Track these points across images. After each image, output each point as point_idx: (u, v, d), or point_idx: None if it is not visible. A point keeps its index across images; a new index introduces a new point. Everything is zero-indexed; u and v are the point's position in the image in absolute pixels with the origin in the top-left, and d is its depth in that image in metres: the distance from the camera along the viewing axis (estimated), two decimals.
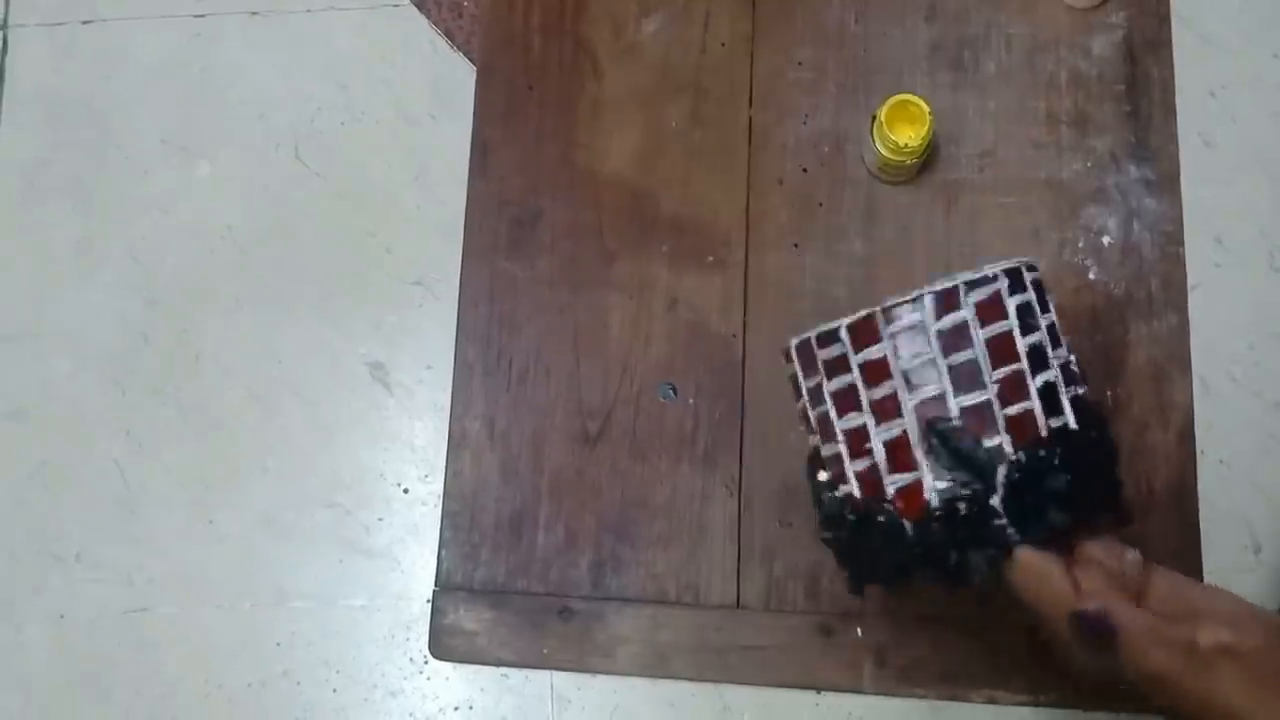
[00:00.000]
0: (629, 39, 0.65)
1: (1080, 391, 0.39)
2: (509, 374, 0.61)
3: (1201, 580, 0.55)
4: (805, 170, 0.63)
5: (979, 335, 0.38)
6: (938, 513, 0.37)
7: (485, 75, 0.66)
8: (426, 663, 0.59)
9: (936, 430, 0.37)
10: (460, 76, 0.67)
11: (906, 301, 0.38)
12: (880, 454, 0.39)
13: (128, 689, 0.60)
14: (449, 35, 0.68)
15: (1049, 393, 0.38)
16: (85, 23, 0.70)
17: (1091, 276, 0.60)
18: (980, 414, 0.37)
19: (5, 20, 0.70)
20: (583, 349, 0.61)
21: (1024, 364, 0.38)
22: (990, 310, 0.38)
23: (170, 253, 0.66)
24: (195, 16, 0.69)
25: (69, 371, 0.65)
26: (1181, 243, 0.60)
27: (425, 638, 0.59)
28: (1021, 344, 0.38)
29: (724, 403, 0.60)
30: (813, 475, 0.42)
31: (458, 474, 0.60)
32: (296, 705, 0.59)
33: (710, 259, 0.62)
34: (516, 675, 0.59)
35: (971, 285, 0.38)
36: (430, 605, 0.59)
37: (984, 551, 0.37)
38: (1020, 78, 0.63)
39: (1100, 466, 0.39)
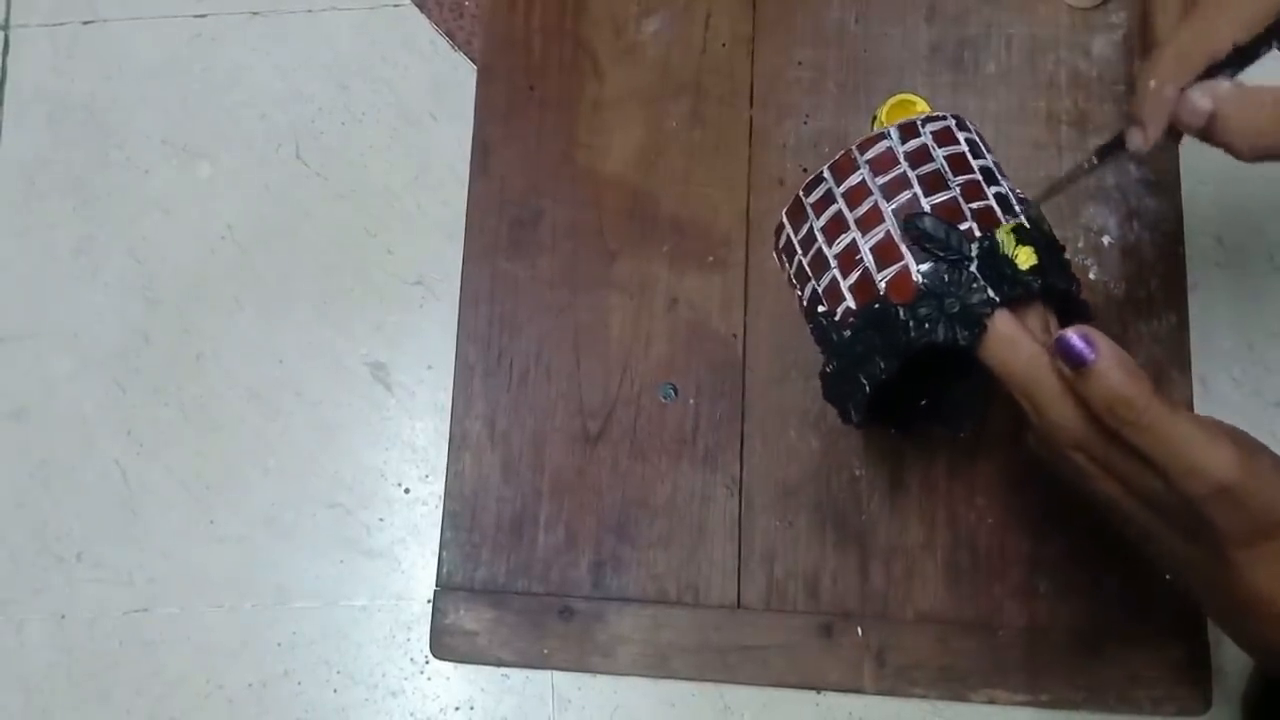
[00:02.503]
0: (629, 39, 0.65)
1: (1029, 209, 0.45)
2: (509, 374, 0.61)
3: None
4: (805, 170, 0.63)
5: (939, 153, 0.44)
6: (924, 288, 0.42)
7: (486, 75, 0.66)
8: (427, 663, 0.59)
9: (914, 221, 0.43)
10: (460, 76, 0.67)
11: (874, 136, 0.45)
12: (869, 258, 0.44)
13: (128, 689, 0.60)
14: (449, 35, 0.68)
15: (1002, 199, 0.44)
16: (86, 23, 0.70)
17: (1091, 276, 0.60)
18: (949, 207, 0.43)
19: (6, 21, 0.70)
20: (583, 349, 0.61)
21: (978, 176, 0.44)
22: (944, 137, 0.45)
23: (171, 253, 0.66)
24: (195, 17, 0.69)
25: (69, 371, 0.65)
26: (1181, 243, 0.60)
27: (426, 638, 0.59)
28: (974, 163, 0.45)
29: (724, 403, 0.60)
30: (812, 317, 0.47)
31: (458, 474, 0.61)
32: (297, 705, 0.59)
33: (711, 259, 0.62)
34: (517, 675, 0.59)
35: (927, 120, 0.45)
36: (431, 605, 0.59)
37: (969, 320, 0.41)
38: (1020, 78, 0.63)
39: (1055, 254, 0.44)
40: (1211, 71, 0.40)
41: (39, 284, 0.66)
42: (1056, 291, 0.43)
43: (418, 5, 0.68)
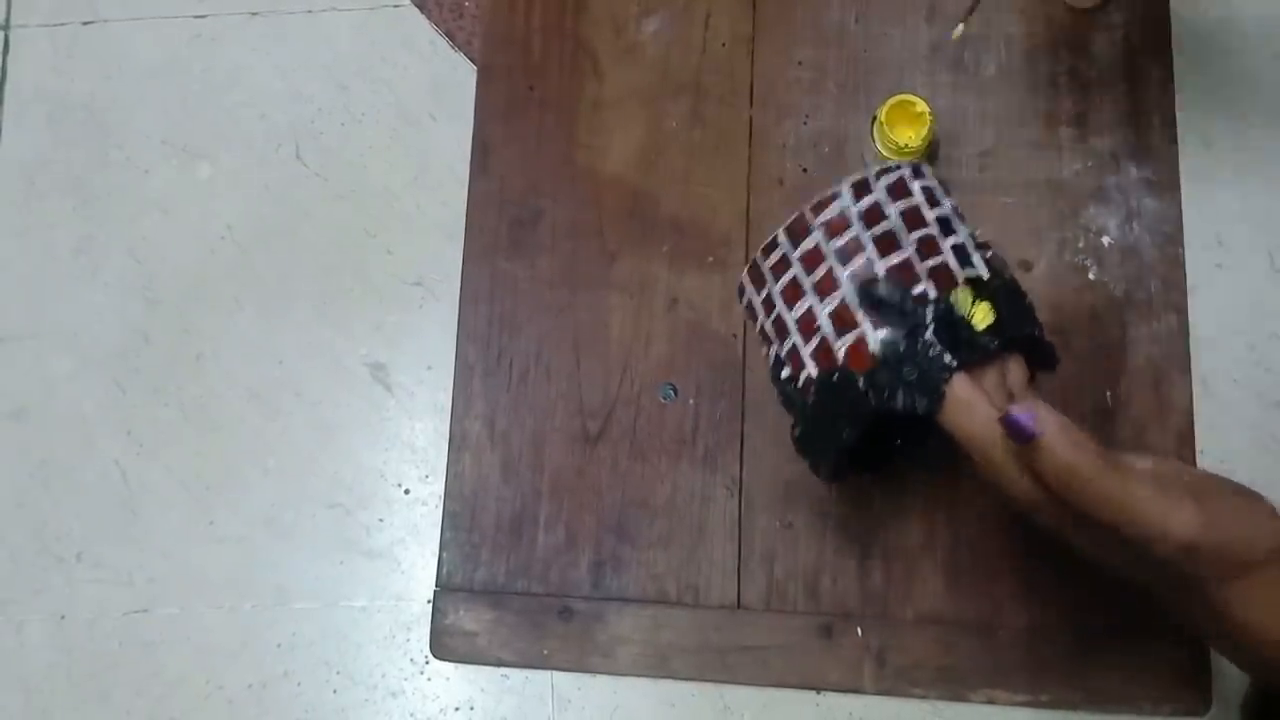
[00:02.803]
0: (629, 39, 0.65)
1: (988, 255, 0.45)
2: (509, 374, 0.61)
3: None
4: (805, 170, 0.63)
5: (893, 209, 0.44)
6: (881, 357, 0.42)
7: (485, 75, 0.66)
8: (427, 663, 0.59)
9: (868, 289, 0.43)
10: (460, 76, 0.67)
11: (827, 195, 0.44)
12: (827, 326, 0.44)
13: (128, 689, 0.60)
14: (449, 35, 0.68)
15: (959, 250, 0.44)
16: (86, 23, 0.70)
17: (1091, 276, 0.60)
18: (903, 270, 0.43)
19: (6, 21, 0.70)
20: (583, 349, 0.61)
21: (934, 229, 0.44)
22: (898, 190, 0.44)
23: (170, 253, 0.66)
24: (195, 17, 0.69)
25: (69, 371, 0.65)
26: (1181, 243, 0.60)
27: (426, 638, 0.59)
28: (929, 214, 0.44)
29: (724, 403, 0.60)
30: (776, 379, 0.47)
31: (458, 474, 0.61)
32: (297, 706, 0.59)
33: (711, 259, 0.62)
34: (517, 675, 0.59)
35: (880, 173, 0.45)
36: (431, 606, 0.59)
37: (927, 387, 0.41)
38: (1020, 78, 0.63)
39: (1015, 302, 0.44)
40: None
41: (39, 284, 0.66)
42: (1019, 340, 0.43)
43: (418, 5, 0.68)
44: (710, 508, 0.59)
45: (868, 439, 0.44)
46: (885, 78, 0.63)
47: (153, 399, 0.64)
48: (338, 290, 0.65)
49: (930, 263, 0.43)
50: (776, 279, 0.46)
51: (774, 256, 0.46)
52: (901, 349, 0.41)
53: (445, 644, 0.59)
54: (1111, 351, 0.59)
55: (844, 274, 0.43)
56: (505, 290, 0.63)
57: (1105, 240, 0.60)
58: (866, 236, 0.43)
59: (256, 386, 0.63)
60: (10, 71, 0.70)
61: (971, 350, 0.41)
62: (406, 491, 0.62)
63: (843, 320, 0.43)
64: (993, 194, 0.61)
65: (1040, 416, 0.38)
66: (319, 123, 0.67)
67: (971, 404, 0.40)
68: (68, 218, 0.67)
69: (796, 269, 0.45)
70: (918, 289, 0.42)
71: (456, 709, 0.59)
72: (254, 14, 0.69)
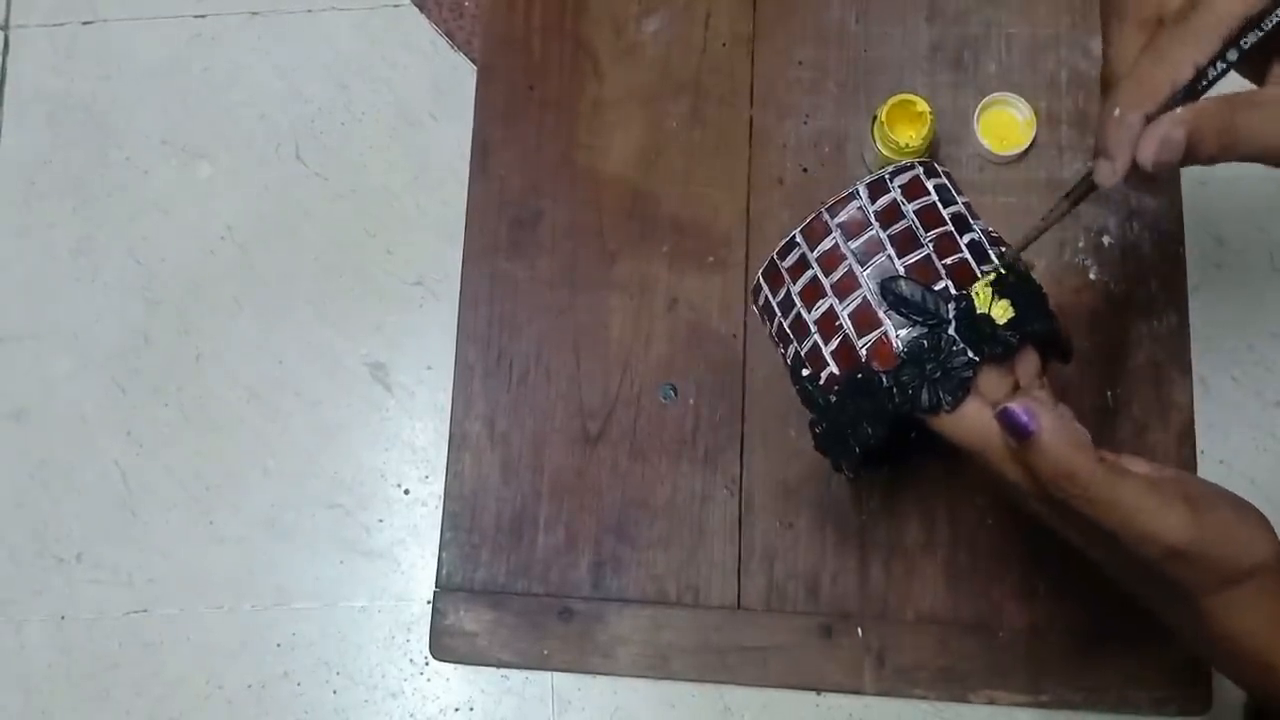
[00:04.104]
0: (629, 39, 0.65)
1: (1002, 250, 0.45)
2: (509, 374, 0.61)
3: None
4: (805, 170, 0.63)
5: (909, 208, 0.44)
6: (905, 355, 0.42)
7: (486, 75, 0.66)
8: (427, 664, 0.59)
9: (890, 287, 0.43)
10: (460, 76, 0.67)
11: (844, 196, 0.45)
12: (848, 325, 0.44)
13: (128, 690, 0.60)
14: (449, 35, 0.68)
15: (976, 247, 0.44)
16: (86, 23, 0.70)
17: (1091, 276, 0.60)
18: (923, 267, 0.43)
19: (6, 21, 0.70)
20: (583, 349, 0.61)
21: (950, 227, 0.44)
22: (913, 189, 0.45)
23: (170, 253, 0.66)
24: (195, 17, 0.69)
25: (69, 371, 0.65)
26: (1181, 243, 0.60)
27: (426, 639, 0.59)
28: (945, 213, 0.44)
29: (724, 403, 0.60)
30: (797, 377, 0.47)
31: (458, 475, 0.60)
32: (297, 706, 0.59)
33: (710, 259, 0.62)
34: (517, 676, 0.59)
35: (894, 173, 0.45)
36: (431, 606, 0.59)
37: (951, 384, 0.41)
38: (1020, 78, 0.63)
39: (1032, 296, 0.44)
40: (1173, 100, 0.39)
41: (39, 284, 0.66)
42: (1038, 335, 0.43)
43: (418, 5, 0.68)
44: (710, 508, 0.59)
45: (890, 435, 0.45)
46: (885, 78, 0.63)
47: (152, 399, 0.64)
48: (338, 290, 0.65)
49: (949, 260, 0.43)
50: (795, 279, 0.46)
51: (792, 257, 0.46)
52: (925, 346, 0.42)
53: (445, 644, 0.59)
54: (1111, 351, 0.59)
55: (864, 273, 0.44)
56: (505, 291, 0.63)
57: (1105, 240, 0.60)
58: (885, 236, 0.44)
59: (256, 386, 0.63)
60: (10, 71, 0.69)
61: (994, 345, 0.42)
62: (406, 492, 0.62)
63: (865, 320, 0.43)
64: (993, 194, 0.61)
65: (1036, 414, 0.38)
66: (319, 122, 0.67)
67: (984, 404, 0.41)
68: (68, 218, 0.67)
69: (815, 269, 0.45)
70: (938, 286, 0.43)
71: (456, 709, 0.59)
72: (254, 14, 0.69)
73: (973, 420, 0.41)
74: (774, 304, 0.48)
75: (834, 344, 0.44)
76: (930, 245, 0.43)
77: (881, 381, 0.43)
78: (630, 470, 0.60)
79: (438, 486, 0.61)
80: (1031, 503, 0.41)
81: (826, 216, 0.45)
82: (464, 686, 0.59)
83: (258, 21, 0.69)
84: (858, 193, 0.45)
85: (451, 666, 0.59)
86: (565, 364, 0.61)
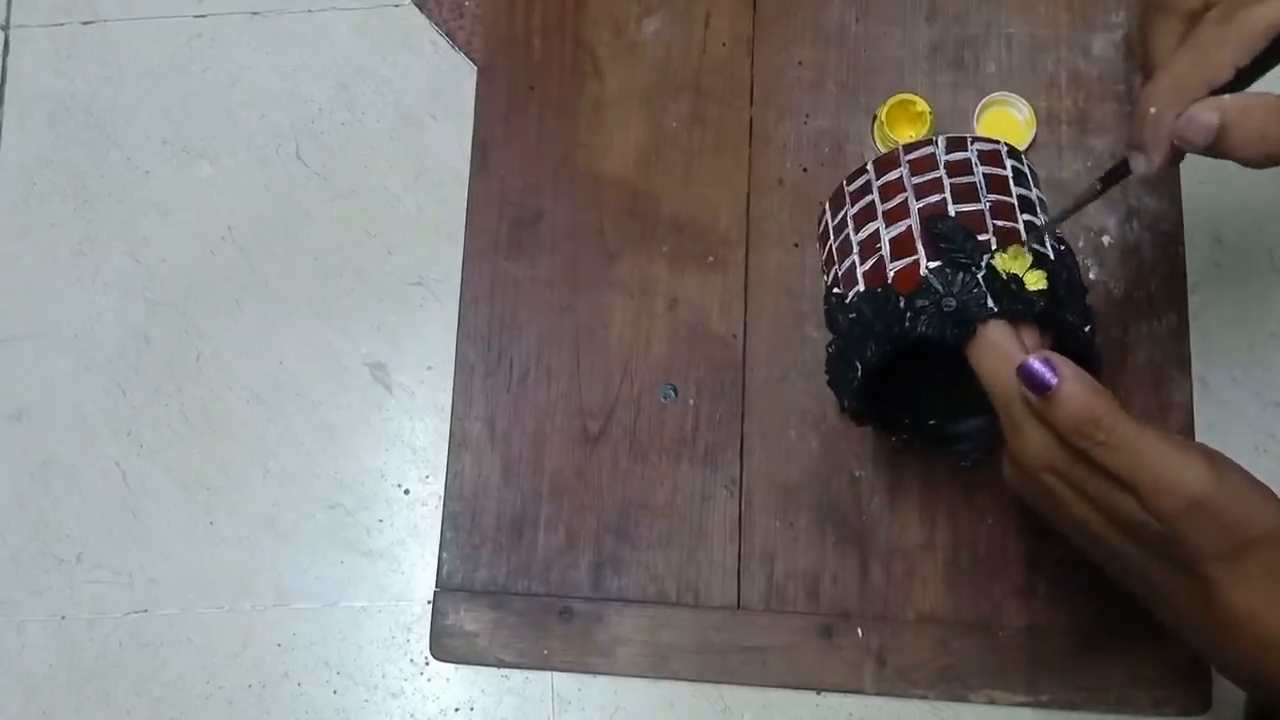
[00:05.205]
0: (630, 39, 0.65)
1: (1061, 248, 0.45)
2: (509, 374, 0.61)
3: None
4: (805, 170, 0.63)
5: (980, 170, 0.45)
6: (927, 283, 0.43)
7: (486, 75, 0.66)
8: (427, 664, 0.59)
9: (935, 222, 0.44)
10: (460, 76, 0.67)
11: (921, 140, 0.47)
12: (886, 249, 0.45)
13: (128, 690, 0.60)
14: (449, 35, 0.68)
15: (1033, 228, 0.45)
16: (86, 23, 0.70)
17: (1091, 276, 0.60)
18: (973, 218, 0.44)
19: (6, 21, 0.70)
20: (583, 349, 0.61)
21: (1014, 200, 0.45)
22: (991, 158, 0.46)
23: (170, 253, 0.66)
24: (195, 17, 0.69)
25: (69, 372, 0.65)
26: (1181, 243, 0.60)
27: (426, 639, 0.59)
28: (1014, 190, 0.45)
29: (724, 403, 0.60)
30: (828, 298, 0.48)
31: (458, 475, 0.61)
32: (297, 706, 0.59)
33: (710, 259, 0.62)
34: (517, 676, 0.59)
35: (977, 138, 0.46)
36: (431, 606, 0.59)
37: (962, 320, 0.42)
38: (1020, 78, 0.63)
39: (1074, 293, 0.45)
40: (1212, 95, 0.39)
41: (39, 284, 0.66)
42: (1067, 325, 0.43)
43: (418, 5, 0.68)
44: (710, 508, 0.59)
45: (907, 387, 0.46)
46: (885, 78, 0.63)
47: (153, 399, 0.64)
48: (338, 290, 0.65)
49: (1000, 223, 0.44)
50: (854, 202, 0.47)
51: (858, 182, 0.48)
52: (949, 279, 0.42)
53: (445, 644, 0.59)
54: (1111, 351, 0.59)
55: (916, 205, 0.45)
56: (505, 290, 0.63)
57: (1105, 240, 0.60)
58: (948, 181, 0.45)
59: (257, 387, 0.63)
60: (10, 71, 0.69)
61: (1014, 300, 0.42)
62: (406, 492, 0.62)
63: (903, 245, 0.44)
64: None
65: (1056, 364, 0.38)
66: (319, 123, 0.67)
67: (1005, 350, 0.41)
68: (68, 218, 0.67)
69: (875, 195, 0.47)
70: (982, 236, 0.43)
71: (456, 709, 0.59)
72: (254, 14, 0.69)
73: (1003, 370, 0.41)
74: (830, 227, 0.49)
75: (869, 264, 0.46)
76: (988, 205, 0.44)
77: (897, 302, 0.43)
78: (630, 470, 0.60)
79: (438, 486, 0.61)
80: (1046, 471, 0.41)
81: (901, 152, 0.46)
82: (464, 686, 0.59)
83: (258, 21, 0.69)
84: (936, 141, 0.46)
85: (452, 666, 0.59)
86: (565, 364, 0.61)
